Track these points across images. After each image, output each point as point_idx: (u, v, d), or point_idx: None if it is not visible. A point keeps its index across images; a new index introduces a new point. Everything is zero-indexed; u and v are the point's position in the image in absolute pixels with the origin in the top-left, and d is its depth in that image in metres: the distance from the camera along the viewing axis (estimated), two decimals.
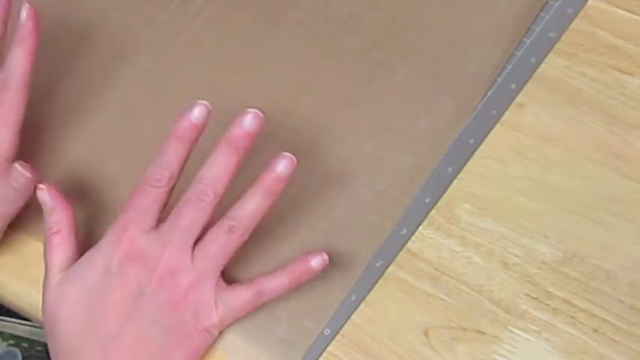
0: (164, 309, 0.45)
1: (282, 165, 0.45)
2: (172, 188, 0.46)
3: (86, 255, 0.47)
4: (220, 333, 0.47)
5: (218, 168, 0.45)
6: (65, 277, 0.46)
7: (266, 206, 0.45)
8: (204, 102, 0.45)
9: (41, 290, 0.47)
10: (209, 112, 0.45)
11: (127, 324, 0.45)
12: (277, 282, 0.46)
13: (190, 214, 0.45)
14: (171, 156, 0.45)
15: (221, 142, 0.45)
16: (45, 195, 0.47)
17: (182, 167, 0.46)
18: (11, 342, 0.66)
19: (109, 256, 0.46)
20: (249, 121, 0.45)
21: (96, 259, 0.46)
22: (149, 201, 0.46)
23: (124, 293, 0.45)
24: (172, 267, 0.46)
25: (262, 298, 0.46)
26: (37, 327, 0.66)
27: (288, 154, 0.45)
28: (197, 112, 0.45)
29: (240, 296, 0.46)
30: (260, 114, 0.45)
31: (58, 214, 0.47)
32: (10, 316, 0.67)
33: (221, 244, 0.46)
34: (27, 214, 0.52)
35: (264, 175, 0.45)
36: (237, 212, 0.45)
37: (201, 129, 0.45)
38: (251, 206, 0.45)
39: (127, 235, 0.46)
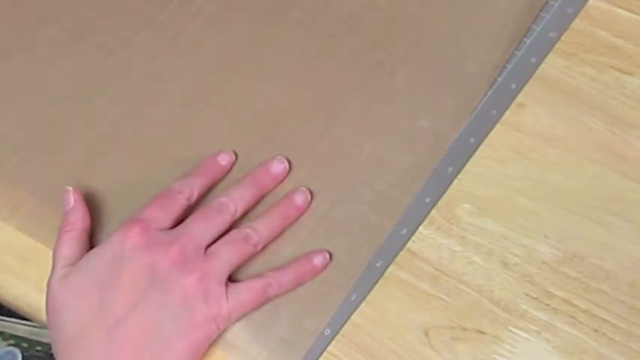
0: (174, 294, 0.45)
1: (302, 198, 0.50)
2: (189, 207, 0.49)
3: (95, 249, 0.47)
4: (224, 330, 0.47)
5: (242, 191, 0.50)
6: (72, 269, 0.47)
7: (282, 229, 0.50)
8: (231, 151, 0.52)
9: (41, 290, 0.48)
10: (233, 160, 0.52)
11: (135, 309, 0.45)
12: (285, 277, 0.48)
13: (210, 218, 0.48)
14: (196, 181, 0.50)
15: (246, 177, 0.51)
16: (69, 196, 0.49)
17: (201, 194, 0.50)
18: (11, 342, 0.66)
19: (119, 245, 0.46)
20: (274, 165, 0.52)
21: (106, 250, 0.47)
22: (169, 204, 0.48)
23: (133, 278, 0.45)
24: (185, 255, 0.46)
25: (271, 291, 0.47)
26: (37, 327, 0.66)
27: (305, 190, 0.51)
28: (226, 157, 0.52)
29: (250, 289, 0.47)
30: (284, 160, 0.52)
31: (75, 215, 0.49)
32: (10, 316, 0.67)
33: (235, 247, 0.47)
34: (27, 215, 0.52)
35: (286, 202, 0.50)
36: (258, 225, 0.49)
37: (226, 171, 0.52)
38: (270, 226, 0.49)
39: (141, 227, 0.47)
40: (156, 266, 0.46)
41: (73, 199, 0.50)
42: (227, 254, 0.47)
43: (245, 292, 0.47)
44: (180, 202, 0.49)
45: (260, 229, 0.49)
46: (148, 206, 0.48)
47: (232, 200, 0.49)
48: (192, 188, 0.49)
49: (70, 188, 0.50)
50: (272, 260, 0.49)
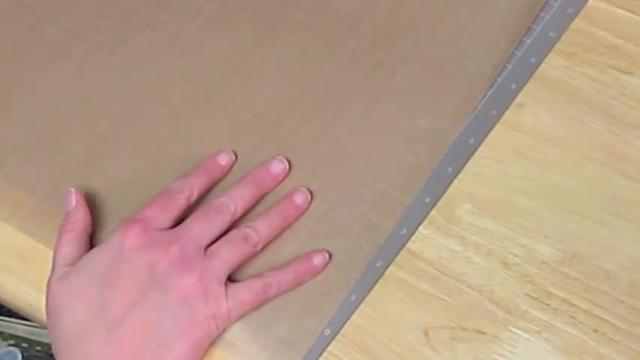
0: (174, 293, 0.45)
1: (302, 198, 0.51)
2: (189, 207, 0.49)
3: (94, 249, 0.47)
4: (224, 330, 0.47)
5: (242, 191, 0.50)
6: (72, 269, 0.47)
7: (282, 229, 0.50)
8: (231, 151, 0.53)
9: (41, 290, 0.48)
10: (233, 160, 0.52)
11: (134, 308, 0.45)
12: (284, 276, 0.48)
13: (209, 218, 0.48)
14: (196, 180, 0.50)
15: (246, 177, 0.51)
16: (71, 197, 0.50)
17: (200, 194, 0.50)
18: (11, 342, 0.66)
19: (118, 245, 0.46)
20: (274, 165, 0.52)
21: (105, 250, 0.47)
22: (169, 203, 0.48)
23: (133, 278, 0.45)
24: (185, 255, 0.46)
25: (271, 291, 0.47)
26: (36, 327, 0.66)
27: (305, 190, 0.51)
28: (226, 157, 0.52)
29: (250, 288, 0.47)
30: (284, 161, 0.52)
31: (76, 215, 0.49)
32: (10, 316, 0.67)
33: (234, 247, 0.47)
34: (27, 215, 0.52)
35: (286, 202, 0.50)
36: (257, 225, 0.49)
37: (225, 170, 0.52)
38: (270, 226, 0.49)
39: (140, 227, 0.47)
40: (155, 266, 0.46)
41: (74, 200, 0.50)
42: (227, 254, 0.47)
43: (245, 291, 0.47)
44: (179, 202, 0.49)
45: (260, 228, 0.49)
46: (148, 206, 0.48)
47: (232, 200, 0.49)
48: (192, 188, 0.49)
49: (73, 189, 0.50)
50: (272, 260, 0.49)
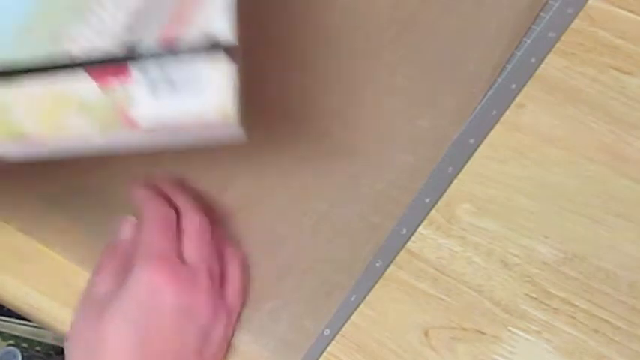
0: (198, 321, 0.45)
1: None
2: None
3: (127, 289, 0.44)
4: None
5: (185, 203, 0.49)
6: (108, 306, 0.44)
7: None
8: None
9: (41, 290, 0.48)
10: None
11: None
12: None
13: (200, 237, 0.47)
14: (180, 197, 0.50)
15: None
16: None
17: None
18: (11, 342, 0.66)
19: (152, 290, 0.44)
20: None
21: (139, 294, 0.44)
22: (167, 228, 0.47)
23: (171, 325, 0.44)
24: (207, 286, 0.46)
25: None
26: (37, 327, 0.66)
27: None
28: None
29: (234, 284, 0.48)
30: None
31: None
32: (10, 316, 0.67)
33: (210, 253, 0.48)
34: (27, 215, 0.52)
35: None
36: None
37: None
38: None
39: (168, 267, 0.45)
40: (191, 308, 0.45)
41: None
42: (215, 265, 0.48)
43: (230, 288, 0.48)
44: (172, 220, 0.48)
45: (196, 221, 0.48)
46: (155, 236, 0.46)
47: (192, 209, 0.49)
48: (174, 206, 0.49)
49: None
50: (271, 260, 0.49)
